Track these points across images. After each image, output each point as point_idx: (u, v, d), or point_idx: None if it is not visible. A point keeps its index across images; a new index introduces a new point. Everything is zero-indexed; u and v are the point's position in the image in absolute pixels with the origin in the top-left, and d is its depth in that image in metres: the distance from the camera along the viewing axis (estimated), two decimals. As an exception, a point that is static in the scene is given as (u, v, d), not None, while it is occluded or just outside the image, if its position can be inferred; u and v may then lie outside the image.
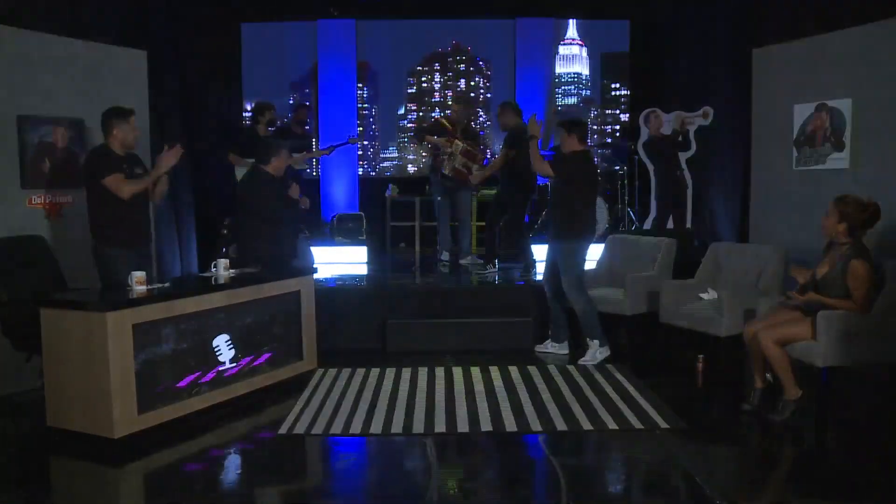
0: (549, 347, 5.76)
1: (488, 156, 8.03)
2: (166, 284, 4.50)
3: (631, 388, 4.79)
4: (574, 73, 10.07)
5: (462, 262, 7.41)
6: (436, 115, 8.51)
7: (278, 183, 5.44)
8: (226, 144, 7.57)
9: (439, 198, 7.42)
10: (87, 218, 4.74)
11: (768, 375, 4.42)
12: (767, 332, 4.24)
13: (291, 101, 9.34)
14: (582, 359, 5.46)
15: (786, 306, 4.49)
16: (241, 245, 5.50)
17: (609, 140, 9.87)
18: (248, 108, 9.34)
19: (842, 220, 4.15)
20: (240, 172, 7.17)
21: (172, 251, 7.07)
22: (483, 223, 7.47)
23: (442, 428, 4.15)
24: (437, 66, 10.13)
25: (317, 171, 9.30)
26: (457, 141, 7.11)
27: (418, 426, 4.18)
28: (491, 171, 7.09)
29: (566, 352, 5.69)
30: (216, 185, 8.00)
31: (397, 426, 4.18)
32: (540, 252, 6.75)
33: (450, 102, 7.98)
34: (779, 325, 4.29)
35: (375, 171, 9.97)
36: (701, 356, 5.21)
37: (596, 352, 5.46)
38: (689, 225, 7.80)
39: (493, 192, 7.35)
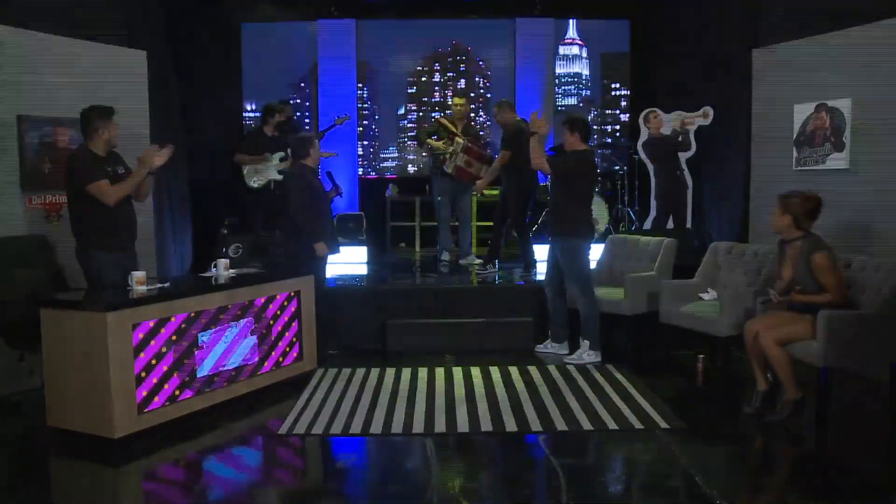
0: (549, 347, 5.76)
1: (491, 151, 8.02)
2: (166, 284, 4.50)
3: (631, 388, 4.79)
4: (574, 73, 10.05)
5: (462, 262, 7.40)
6: (436, 115, 8.51)
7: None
8: (232, 145, 7.56)
9: (440, 198, 7.42)
10: (69, 219, 4.64)
11: (769, 375, 4.42)
12: (768, 333, 4.25)
13: (293, 100, 9.34)
14: (568, 356, 5.46)
15: (781, 308, 4.49)
16: (301, 234, 5.40)
17: (609, 140, 9.85)
18: (250, 108, 9.35)
19: (785, 211, 4.31)
20: (248, 172, 7.18)
21: (172, 251, 7.07)
22: (484, 223, 7.46)
23: (442, 428, 4.15)
24: (437, 66, 10.12)
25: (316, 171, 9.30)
26: (458, 139, 7.11)
27: (418, 426, 4.18)
28: (493, 177, 7.08)
29: (566, 352, 5.68)
30: (216, 185, 8.00)
31: (397, 426, 4.18)
32: (541, 252, 6.75)
33: (450, 102, 7.97)
34: (779, 325, 4.29)
35: (375, 172, 9.96)
36: (701, 356, 5.21)
37: (584, 353, 5.46)
38: (689, 225, 7.79)
39: (496, 191, 7.35)
